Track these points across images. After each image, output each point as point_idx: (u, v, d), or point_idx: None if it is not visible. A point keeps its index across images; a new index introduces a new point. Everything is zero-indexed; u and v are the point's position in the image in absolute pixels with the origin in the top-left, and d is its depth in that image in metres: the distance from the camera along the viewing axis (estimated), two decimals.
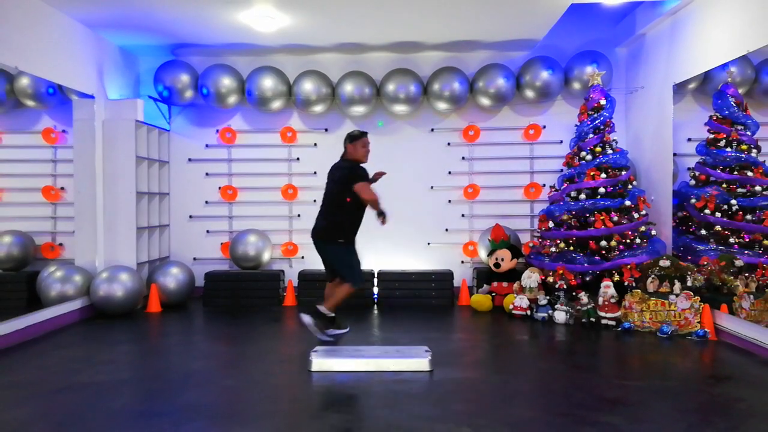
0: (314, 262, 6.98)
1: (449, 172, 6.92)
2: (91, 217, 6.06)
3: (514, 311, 5.75)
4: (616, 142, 5.98)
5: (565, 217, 5.84)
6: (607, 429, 3.03)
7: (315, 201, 7.01)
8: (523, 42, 6.49)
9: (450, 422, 3.13)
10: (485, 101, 6.61)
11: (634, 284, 5.34)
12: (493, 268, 6.30)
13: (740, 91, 5.02)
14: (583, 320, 5.36)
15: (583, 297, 5.40)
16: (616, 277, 5.45)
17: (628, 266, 5.38)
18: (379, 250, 6.86)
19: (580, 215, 5.83)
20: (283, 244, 7.01)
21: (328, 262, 4.80)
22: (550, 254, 5.88)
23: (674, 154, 5.67)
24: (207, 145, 7.06)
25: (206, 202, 7.07)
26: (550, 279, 5.72)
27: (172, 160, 7.06)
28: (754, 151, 4.97)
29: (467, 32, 6.18)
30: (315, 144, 6.99)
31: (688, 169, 5.45)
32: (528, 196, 6.87)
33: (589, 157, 5.85)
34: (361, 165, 4.73)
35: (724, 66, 4.95)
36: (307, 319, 4.64)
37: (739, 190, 5.02)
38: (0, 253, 6.21)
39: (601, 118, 5.87)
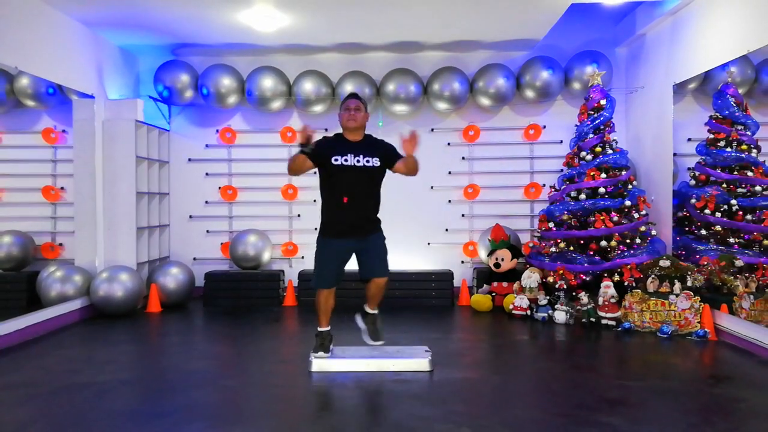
0: (312, 262, 6.98)
1: (449, 172, 6.91)
2: (90, 217, 6.04)
3: (514, 311, 5.75)
4: (616, 142, 5.97)
5: (565, 217, 5.83)
6: (607, 429, 3.02)
7: (315, 201, 7.00)
8: (523, 42, 6.48)
9: (450, 422, 3.12)
10: (485, 101, 6.60)
11: (634, 284, 5.33)
12: (493, 268, 6.29)
13: (740, 91, 5.00)
14: (583, 320, 5.36)
15: (583, 297, 5.39)
16: (616, 277, 5.44)
17: (629, 266, 5.37)
18: None
19: (580, 215, 5.83)
20: (283, 244, 7.00)
21: None
22: (550, 254, 5.86)
23: (674, 154, 5.66)
24: (207, 145, 7.05)
25: (206, 202, 7.06)
26: (550, 279, 5.71)
27: (172, 160, 7.05)
28: (754, 151, 4.95)
29: (467, 32, 6.17)
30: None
31: (688, 169, 5.43)
32: (528, 196, 6.86)
33: (589, 157, 5.84)
34: (332, 137, 4.12)
35: (725, 66, 4.93)
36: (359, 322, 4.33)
37: (739, 190, 5.01)
38: (0, 253, 6.19)
39: (602, 118, 5.85)
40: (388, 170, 4.13)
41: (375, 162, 4.01)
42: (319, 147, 3.97)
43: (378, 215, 4.17)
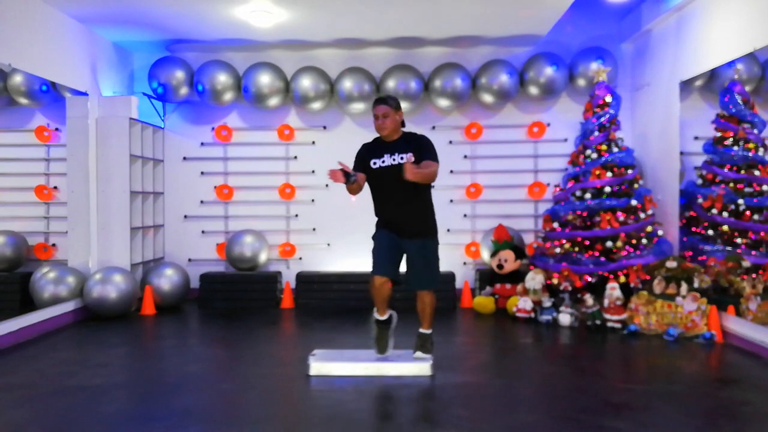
0: (312, 263, 6.93)
1: (451, 171, 6.81)
2: (84, 217, 5.97)
3: (517, 314, 5.66)
4: (622, 140, 5.90)
5: (569, 217, 5.77)
6: None
7: (313, 201, 6.92)
8: (526, 37, 6.40)
9: (452, 428, 3.07)
10: (488, 98, 6.52)
11: (640, 286, 5.26)
12: (496, 269, 6.21)
13: (747, 88, 4.96)
14: (588, 323, 5.28)
15: (589, 299, 5.32)
16: (622, 279, 5.38)
17: (635, 267, 5.31)
18: None
19: (586, 215, 5.75)
20: (281, 244, 6.91)
21: None
22: (555, 255, 5.79)
23: (681, 153, 5.60)
24: (202, 144, 6.96)
25: (201, 201, 6.97)
26: (555, 280, 5.63)
27: (166, 158, 6.96)
28: (762, 149, 4.89)
29: (469, 27, 6.09)
30: (313, 142, 6.89)
31: (695, 167, 5.37)
32: (532, 195, 6.77)
33: (594, 155, 5.78)
34: (371, 141, 4.18)
35: (731, 63, 4.88)
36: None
37: (747, 189, 4.94)
38: None
39: (607, 116, 5.79)
40: None
41: (410, 157, 3.92)
42: (360, 157, 4.10)
43: (427, 219, 4.16)
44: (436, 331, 4.98)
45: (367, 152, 4.10)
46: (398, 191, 3.97)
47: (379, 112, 3.98)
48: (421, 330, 4.16)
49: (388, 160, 3.98)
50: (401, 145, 4.01)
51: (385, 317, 4.12)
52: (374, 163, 4.02)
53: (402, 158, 3.94)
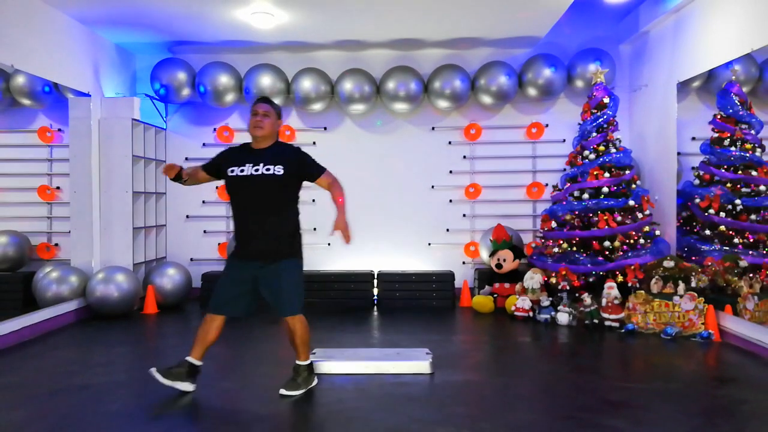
0: (312, 263, 6.95)
1: (450, 172, 6.85)
2: (87, 217, 5.99)
3: (516, 313, 5.68)
4: (620, 141, 5.92)
5: (567, 217, 5.79)
6: None
7: (314, 201, 6.94)
8: (525, 39, 6.42)
9: (451, 426, 3.08)
10: (487, 99, 6.55)
11: (637, 285, 5.28)
12: (494, 268, 6.24)
13: (744, 89, 4.98)
14: (586, 322, 5.30)
15: (586, 298, 5.34)
16: (620, 278, 5.40)
17: (632, 267, 5.33)
18: (379, 251, 6.81)
19: (583, 215, 5.77)
20: None
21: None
22: (553, 255, 5.81)
23: (678, 153, 5.62)
24: (204, 144, 6.98)
25: (203, 201, 7.00)
26: (553, 280, 5.66)
27: (168, 159, 6.98)
28: (759, 150, 4.91)
29: (468, 29, 6.12)
30: (314, 143, 6.92)
31: (693, 168, 5.40)
32: (530, 195, 6.80)
33: (592, 156, 5.80)
34: (237, 147, 3.77)
35: (728, 64, 4.90)
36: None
37: (744, 189, 4.97)
38: None
39: (605, 117, 5.81)
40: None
41: (277, 170, 3.50)
42: (219, 159, 3.73)
43: (291, 237, 3.64)
44: (436, 330, 5.04)
45: (226, 159, 3.66)
46: (258, 205, 3.53)
47: (260, 110, 3.60)
48: (297, 361, 3.72)
49: (248, 170, 3.52)
50: (269, 156, 3.56)
51: (192, 360, 3.63)
52: (231, 171, 3.55)
53: (268, 169, 3.50)
